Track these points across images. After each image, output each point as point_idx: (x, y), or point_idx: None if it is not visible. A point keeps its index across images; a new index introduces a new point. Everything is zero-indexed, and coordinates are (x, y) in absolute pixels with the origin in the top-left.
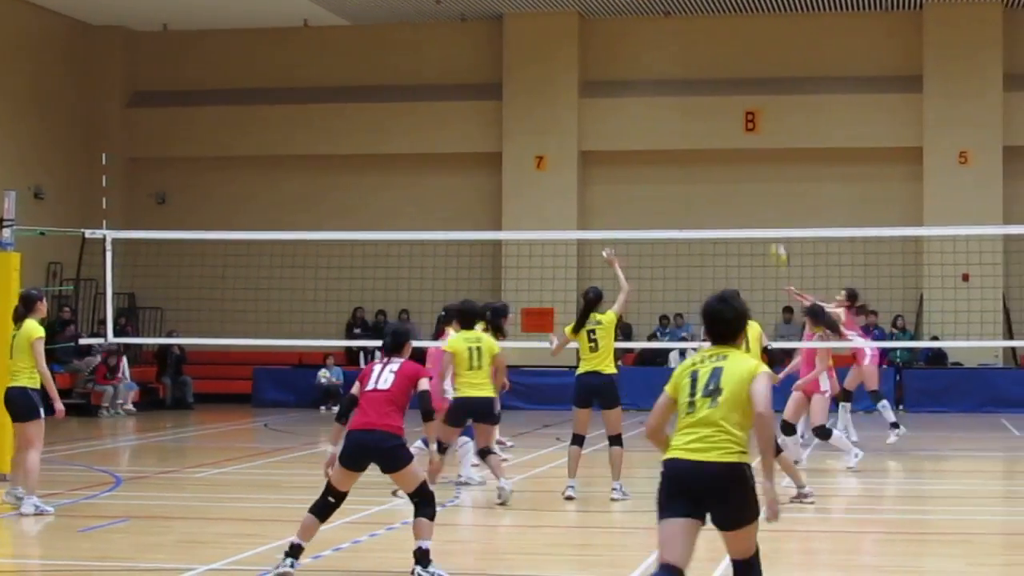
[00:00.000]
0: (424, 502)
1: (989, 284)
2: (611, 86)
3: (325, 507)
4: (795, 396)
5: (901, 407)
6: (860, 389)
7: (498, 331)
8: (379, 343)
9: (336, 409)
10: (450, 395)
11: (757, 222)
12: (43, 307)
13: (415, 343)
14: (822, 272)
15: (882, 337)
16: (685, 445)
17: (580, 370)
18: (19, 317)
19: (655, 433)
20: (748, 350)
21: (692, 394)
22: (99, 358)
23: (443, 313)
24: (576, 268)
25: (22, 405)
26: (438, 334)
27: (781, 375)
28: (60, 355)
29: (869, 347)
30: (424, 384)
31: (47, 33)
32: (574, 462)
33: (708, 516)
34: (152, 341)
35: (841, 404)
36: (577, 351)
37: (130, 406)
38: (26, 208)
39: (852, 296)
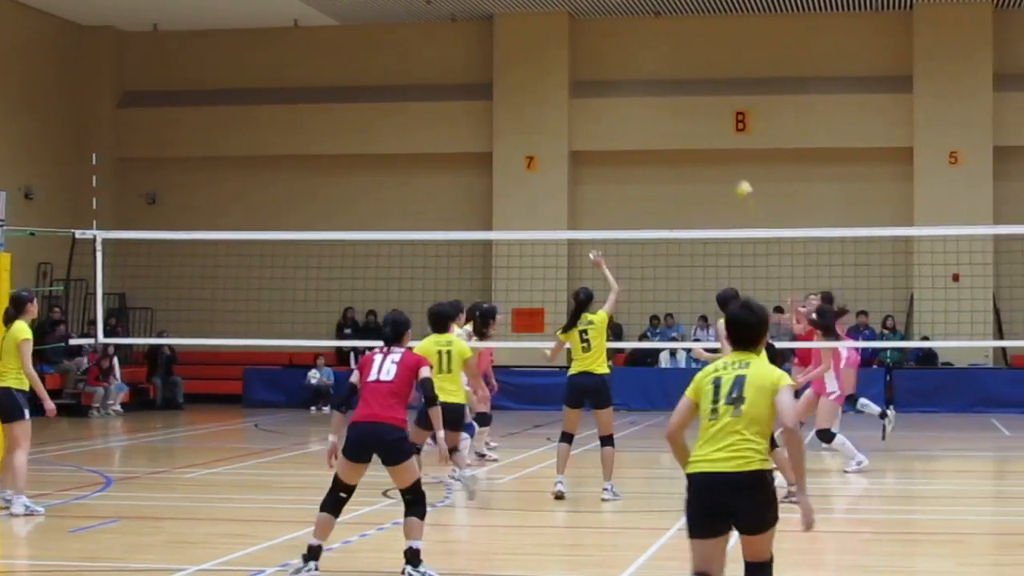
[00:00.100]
0: (416, 500)
1: (979, 284)
2: (601, 86)
3: (336, 502)
4: (806, 394)
5: (891, 407)
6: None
7: (480, 333)
8: (370, 344)
9: (327, 409)
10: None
11: (747, 222)
12: (33, 308)
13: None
14: (812, 272)
15: (872, 337)
16: (708, 456)
17: (572, 370)
18: (9, 319)
19: (674, 436)
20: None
21: (715, 401)
22: (87, 360)
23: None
24: (567, 268)
25: (7, 406)
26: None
27: (801, 380)
28: (50, 355)
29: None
30: (425, 372)
31: (37, 33)
32: (563, 459)
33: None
34: (142, 341)
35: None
36: (569, 351)
37: (118, 407)
38: (16, 208)
39: (828, 299)
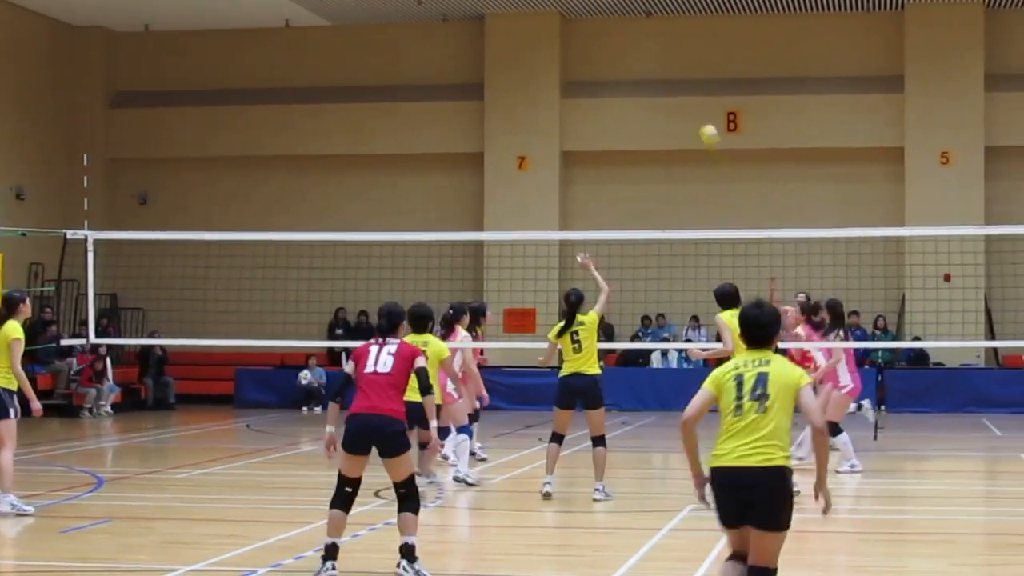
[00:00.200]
0: (409, 495)
1: (971, 284)
2: (593, 86)
3: (345, 498)
4: (825, 390)
5: (883, 407)
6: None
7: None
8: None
9: (319, 410)
10: (451, 391)
11: (739, 222)
12: (26, 309)
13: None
14: (804, 272)
15: (864, 337)
16: (733, 451)
17: (563, 371)
18: (1, 319)
19: (690, 424)
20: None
21: (739, 397)
22: (76, 361)
23: (451, 311)
24: (558, 268)
25: None
26: (447, 333)
27: (817, 375)
28: (42, 356)
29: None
30: (421, 362)
31: (28, 33)
32: (552, 459)
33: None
34: (134, 342)
35: None
36: (560, 352)
37: (109, 408)
38: (7, 209)
39: (833, 304)
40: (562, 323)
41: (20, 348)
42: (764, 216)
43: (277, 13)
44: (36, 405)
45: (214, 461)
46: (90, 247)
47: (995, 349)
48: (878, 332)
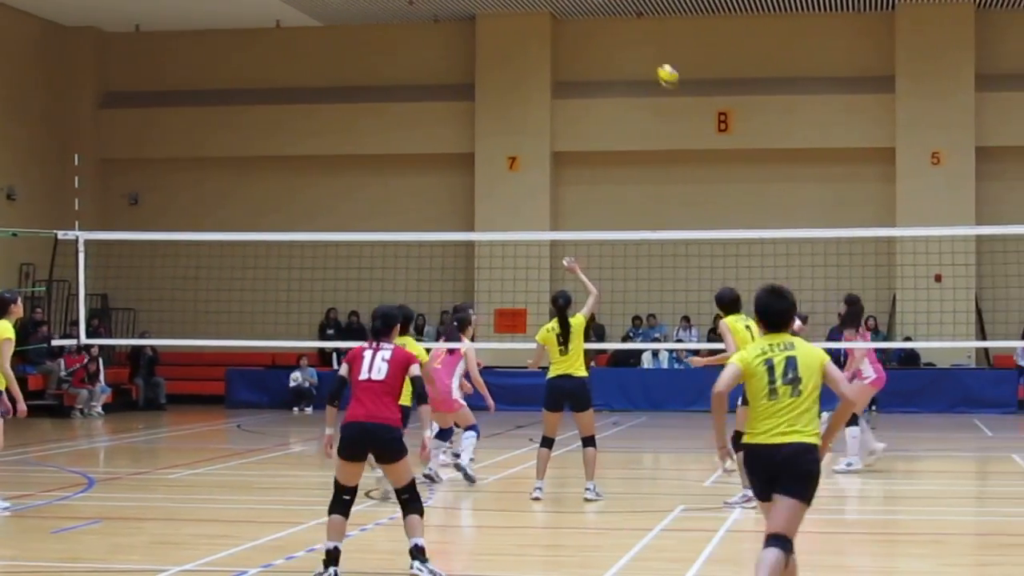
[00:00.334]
0: (412, 499)
1: (962, 285)
2: (583, 87)
3: (344, 504)
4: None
5: (874, 408)
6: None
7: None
8: (353, 344)
9: (310, 410)
10: (457, 395)
11: (730, 223)
12: (17, 309)
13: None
14: (795, 273)
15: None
16: (768, 430)
17: (551, 373)
18: None
19: (721, 398)
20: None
21: (772, 381)
22: (64, 362)
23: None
24: (549, 269)
25: None
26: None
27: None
28: (33, 356)
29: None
30: (415, 370)
31: (19, 34)
32: (543, 464)
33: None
34: (125, 342)
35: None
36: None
37: (99, 408)
38: None
39: (853, 300)
40: (553, 326)
41: (10, 349)
42: (755, 216)
43: (268, 13)
44: (21, 406)
45: (205, 461)
46: (81, 247)
47: (986, 349)
48: (869, 332)
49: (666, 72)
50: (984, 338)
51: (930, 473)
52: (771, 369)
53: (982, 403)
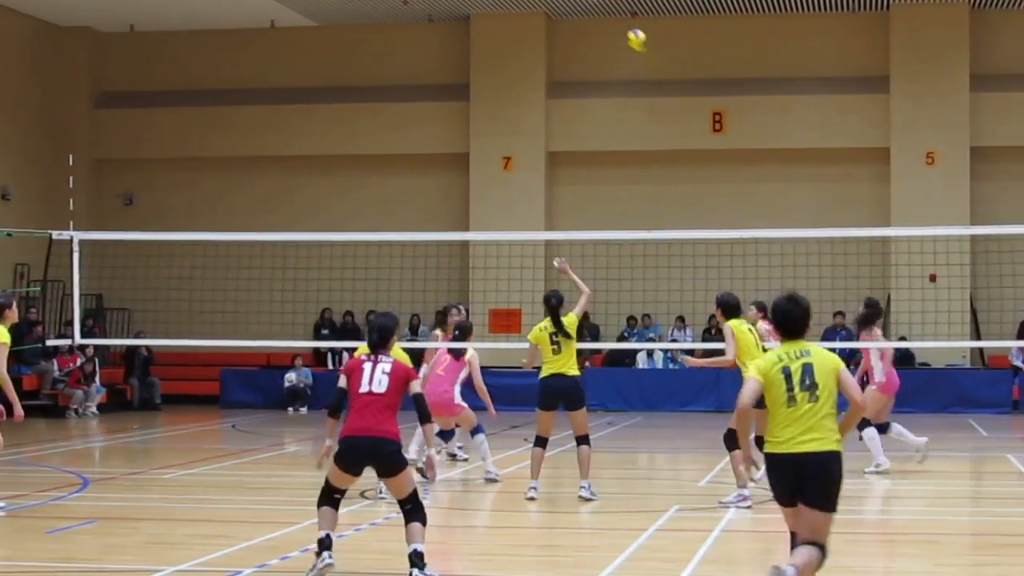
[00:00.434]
0: (415, 508)
1: (956, 284)
2: (578, 87)
3: (333, 500)
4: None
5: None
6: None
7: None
8: (347, 344)
9: (304, 410)
10: (459, 401)
11: (725, 223)
12: (13, 314)
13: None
14: (790, 273)
15: (849, 338)
16: (791, 438)
17: (544, 373)
18: None
19: (745, 413)
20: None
21: (790, 389)
22: (57, 363)
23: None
24: (544, 269)
25: None
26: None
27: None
28: (28, 356)
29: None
30: (417, 387)
31: (13, 34)
32: (537, 463)
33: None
34: (119, 342)
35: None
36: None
37: (94, 408)
38: None
39: (763, 308)
40: (546, 325)
41: (6, 353)
42: (750, 216)
43: (263, 13)
44: (19, 411)
45: (200, 461)
46: (76, 247)
47: (981, 349)
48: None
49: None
50: (979, 338)
51: (925, 473)
52: (788, 377)
53: (977, 403)
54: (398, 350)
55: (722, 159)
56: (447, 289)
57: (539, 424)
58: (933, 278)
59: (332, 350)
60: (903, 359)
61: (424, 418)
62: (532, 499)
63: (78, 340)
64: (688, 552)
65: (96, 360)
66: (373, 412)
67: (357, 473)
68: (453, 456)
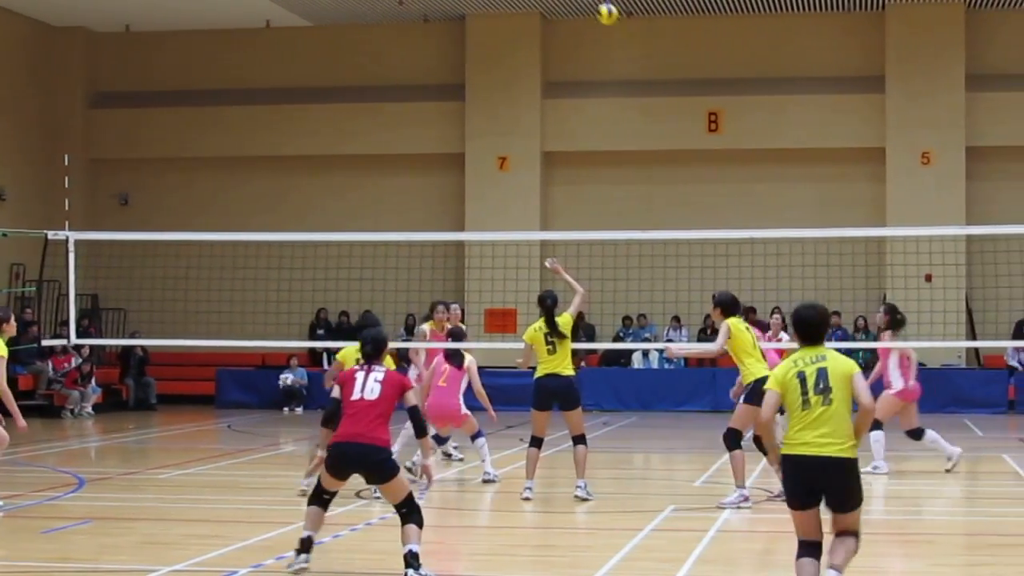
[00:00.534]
0: (411, 511)
1: (952, 284)
2: (573, 87)
3: (323, 500)
4: (883, 396)
5: None
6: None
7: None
8: (343, 344)
9: (300, 410)
10: (465, 411)
11: (720, 223)
12: (10, 328)
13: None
14: (785, 272)
15: (845, 338)
16: (805, 440)
17: (538, 373)
18: None
19: (768, 426)
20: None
21: (804, 393)
22: (52, 364)
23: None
24: (539, 269)
25: None
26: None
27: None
28: (23, 356)
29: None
30: (412, 399)
31: (8, 34)
32: (532, 464)
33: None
34: (115, 342)
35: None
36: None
37: (90, 409)
38: None
39: (892, 310)
40: (541, 325)
41: (3, 366)
42: (745, 216)
43: (258, 14)
44: (21, 423)
45: (195, 462)
46: (71, 247)
47: (976, 349)
48: (859, 333)
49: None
50: (974, 338)
51: (919, 473)
52: (803, 381)
53: (972, 403)
54: (390, 360)
55: (717, 159)
56: (442, 289)
57: (534, 424)
58: (929, 278)
59: (328, 350)
60: None
61: (420, 432)
62: (528, 499)
63: (74, 340)
64: (684, 552)
65: (92, 361)
66: (364, 419)
67: (346, 478)
68: (448, 456)
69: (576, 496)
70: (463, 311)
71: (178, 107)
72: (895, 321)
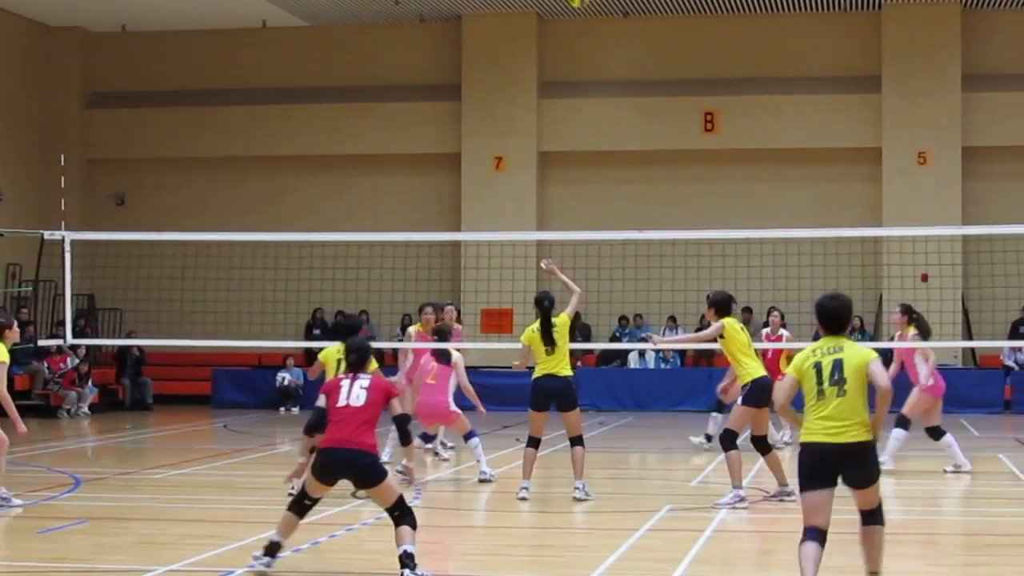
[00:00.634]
0: (403, 513)
1: (948, 284)
2: (570, 87)
3: (303, 507)
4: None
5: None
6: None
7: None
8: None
9: (296, 410)
10: (454, 408)
11: (716, 223)
12: (13, 334)
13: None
14: (781, 273)
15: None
16: (823, 430)
17: (537, 373)
18: None
19: (784, 409)
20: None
21: (820, 383)
22: (47, 364)
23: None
24: (535, 269)
25: None
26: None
27: (893, 371)
28: (19, 356)
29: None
30: (399, 407)
31: (4, 34)
32: (529, 464)
33: (840, 479)
34: (111, 342)
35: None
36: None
37: (86, 409)
38: None
39: (908, 310)
40: (537, 326)
41: (4, 372)
42: (741, 216)
43: (254, 14)
44: (21, 428)
45: (191, 462)
46: (67, 247)
47: (972, 349)
48: (855, 332)
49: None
50: (971, 338)
51: (916, 473)
52: (819, 371)
53: (969, 403)
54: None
55: (714, 159)
56: (439, 289)
57: (531, 424)
58: (925, 278)
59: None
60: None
61: (404, 440)
62: (524, 499)
63: (70, 340)
64: (680, 552)
65: (88, 361)
66: (351, 425)
67: (332, 484)
68: (436, 454)
69: (575, 498)
70: (459, 312)
71: (174, 107)
72: (924, 330)
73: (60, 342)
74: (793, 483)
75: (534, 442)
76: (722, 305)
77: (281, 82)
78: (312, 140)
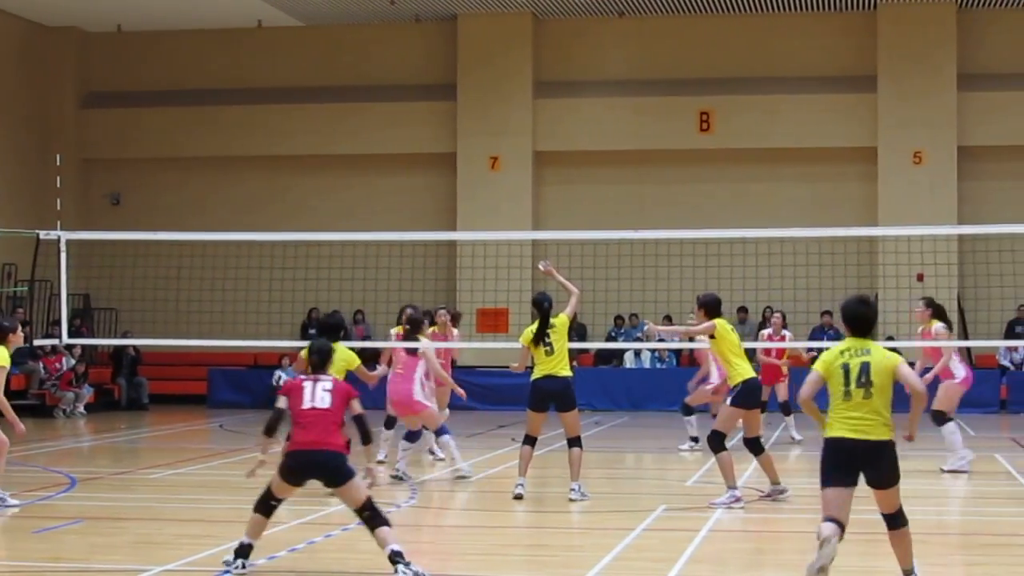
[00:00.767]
0: (374, 514)
1: (944, 284)
2: (565, 86)
3: (268, 508)
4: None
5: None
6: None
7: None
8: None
9: None
10: (420, 397)
11: (712, 222)
12: (17, 338)
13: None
14: (777, 272)
15: (837, 337)
16: (847, 427)
17: (536, 374)
18: None
19: (807, 403)
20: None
21: (846, 384)
22: (43, 365)
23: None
24: (531, 268)
25: None
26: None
27: (929, 376)
28: (15, 356)
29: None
30: (358, 407)
31: (0, 34)
32: (525, 462)
33: (863, 478)
34: (107, 342)
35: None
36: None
37: (82, 408)
38: None
39: (932, 303)
40: (536, 327)
41: (4, 376)
42: (737, 216)
43: (250, 14)
44: (20, 428)
45: (187, 461)
46: (63, 247)
47: (968, 349)
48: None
49: None
50: (966, 338)
51: (913, 473)
52: (847, 372)
53: (965, 403)
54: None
55: (709, 159)
56: (434, 289)
57: (529, 424)
58: (920, 277)
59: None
60: None
61: (365, 439)
62: (519, 496)
63: (65, 340)
64: (675, 552)
65: (84, 360)
66: (318, 427)
67: (299, 485)
68: (432, 453)
69: (571, 499)
70: (455, 316)
71: (170, 107)
72: (948, 322)
73: (56, 342)
74: (788, 481)
75: (531, 441)
76: (712, 306)
77: (277, 82)
78: (307, 140)
